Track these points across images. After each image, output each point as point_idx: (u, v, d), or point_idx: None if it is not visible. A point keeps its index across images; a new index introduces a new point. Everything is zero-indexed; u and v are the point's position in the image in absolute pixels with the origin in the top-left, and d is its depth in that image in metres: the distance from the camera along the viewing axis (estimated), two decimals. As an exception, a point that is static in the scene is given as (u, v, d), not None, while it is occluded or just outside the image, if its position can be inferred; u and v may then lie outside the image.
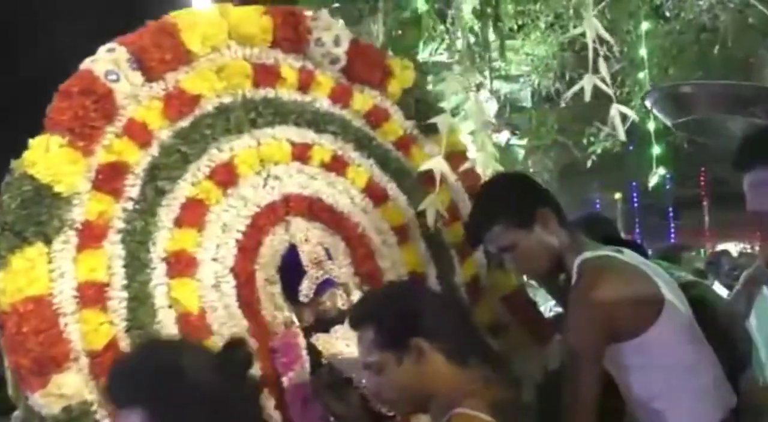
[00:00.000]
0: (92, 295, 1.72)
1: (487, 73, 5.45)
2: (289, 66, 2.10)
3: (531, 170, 7.33)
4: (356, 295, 2.11)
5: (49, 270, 1.68)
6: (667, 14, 5.70)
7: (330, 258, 2.06)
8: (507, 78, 6.64)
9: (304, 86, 2.12)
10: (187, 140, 1.89)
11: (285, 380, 1.88)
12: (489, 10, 2.61)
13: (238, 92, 2.00)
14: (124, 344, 1.74)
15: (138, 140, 1.82)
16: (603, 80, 1.96)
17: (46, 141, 1.69)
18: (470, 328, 1.67)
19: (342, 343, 1.98)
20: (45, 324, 1.64)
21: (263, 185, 2.02)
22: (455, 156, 2.35)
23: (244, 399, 1.24)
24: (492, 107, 6.26)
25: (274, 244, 2.02)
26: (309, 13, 2.12)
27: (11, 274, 1.62)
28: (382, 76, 2.25)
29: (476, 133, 2.31)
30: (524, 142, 7.17)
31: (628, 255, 1.78)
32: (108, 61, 1.77)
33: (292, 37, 2.07)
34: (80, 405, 1.64)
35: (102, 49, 1.79)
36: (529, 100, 6.98)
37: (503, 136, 7.05)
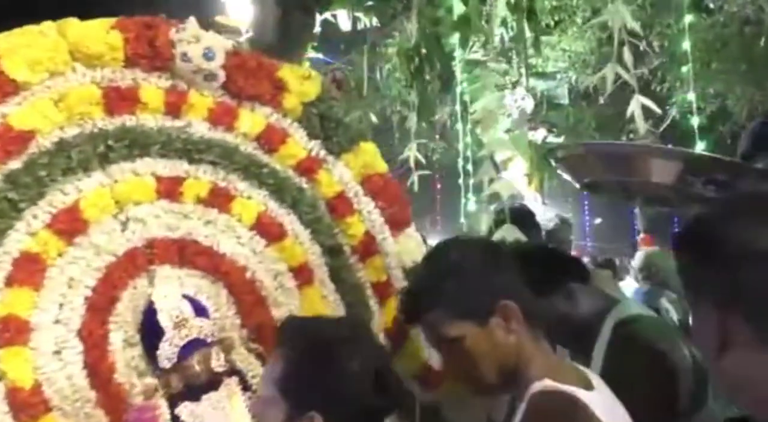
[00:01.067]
0: None
1: (523, 70, 5.20)
2: (153, 87, 1.80)
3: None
4: (241, 353, 1.83)
5: None
6: (711, 7, 5.34)
7: (201, 313, 1.78)
8: (543, 75, 6.41)
9: (172, 110, 1.83)
10: (17, 185, 1.63)
11: (138, 461, 1.63)
12: (524, 2, 2.39)
13: (86, 123, 1.73)
14: (-58, 427, 1.52)
15: (-47, 189, 1.57)
16: (627, 69, 1.92)
17: None
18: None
19: (214, 413, 1.71)
20: None
21: (121, 230, 1.75)
22: (372, 178, 2.03)
23: None
24: (528, 105, 6.00)
25: (134, 299, 1.76)
26: (173, 23, 1.81)
27: None
28: (274, 90, 1.94)
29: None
30: (561, 139, 6.84)
31: (599, 392, 1.22)
32: None
33: (149, 53, 1.77)
34: None
35: None
36: (566, 97, 6.70)
37: (540, 134, 6.76)
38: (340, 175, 2.03)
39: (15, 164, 1.65)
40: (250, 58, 1.91)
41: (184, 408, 1.71)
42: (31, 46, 1.65)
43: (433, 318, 1.28)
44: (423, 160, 4.14)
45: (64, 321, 1.67)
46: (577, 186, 1.64)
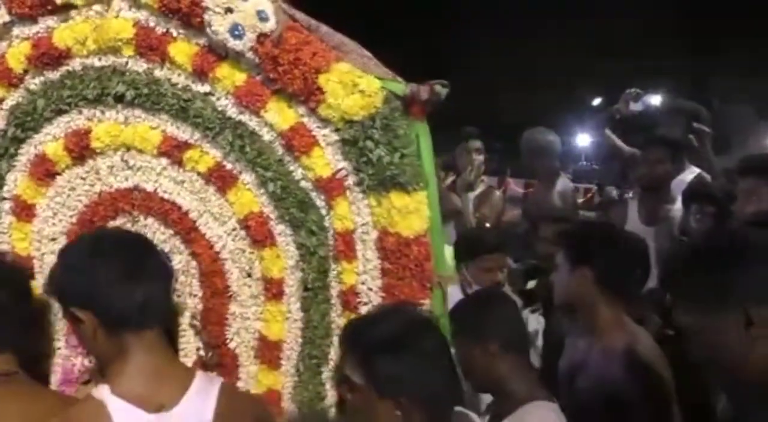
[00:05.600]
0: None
1: None
2: (185, 44, 1.63)
3: None
4: (181, 322, 1.85)
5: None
6: None
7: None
8: None
9: (199, 74, 1.66)
10: (46, 96, 1.75)
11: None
12: None
13: (116, 58, 1.69)
14: None
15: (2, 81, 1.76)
16: None
17: None
18: None
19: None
20: None
21: (122, 168, 1.79)
22: (387, 236, 1.64)
23: None
24: None
25: (115, 230, 1.85)
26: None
27: None
28: (308, 93, 1.59)
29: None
30: None
31: None
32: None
33: (179, 9, 1.57)
34: None
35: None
36: None
37: None
38: (358, 213, 1.68)
39: (52, 76, 1.74)
40: (285, 50, 1.56)
41: None
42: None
43: None
44: None
45: (56, 220, 1.86)
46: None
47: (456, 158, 4.14)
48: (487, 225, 3.73)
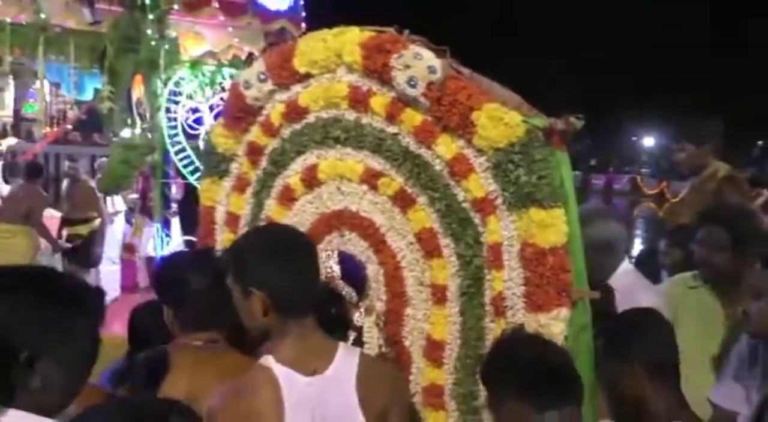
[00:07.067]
0: (230, 220, 2.69)
1: None
2: (381, 97, 2.18)
3: None
4: (370, 321, 2.30)
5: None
6: None
7: (356, 276, 2.28)
8: None
9: (391, 118, 2.18)
10: (293, 141, 2.43)
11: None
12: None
13: (337, 111, 2.30)
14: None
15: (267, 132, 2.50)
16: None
17: (222, 119, 2.64)
18: None
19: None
20: (207, 228, 2.75)
21: (336, 194, 2.37)
22: (527, 246, 1.94)
23: None
24: None
25: (333, 243, 2.40)
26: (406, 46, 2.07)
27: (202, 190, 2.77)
28: (464, 127, 2.00)
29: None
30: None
31: None
32: (248, 72, 2.45)
33: (376, 70, 2.13)
34: None
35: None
36: None
37: None
38: (506, 228, 2.00)
39: (296, 126, 2.42)
40: (448, 93, 2.01)
41: None
42: (313, 50, 2.27)
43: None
44: None
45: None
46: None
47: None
48: None
